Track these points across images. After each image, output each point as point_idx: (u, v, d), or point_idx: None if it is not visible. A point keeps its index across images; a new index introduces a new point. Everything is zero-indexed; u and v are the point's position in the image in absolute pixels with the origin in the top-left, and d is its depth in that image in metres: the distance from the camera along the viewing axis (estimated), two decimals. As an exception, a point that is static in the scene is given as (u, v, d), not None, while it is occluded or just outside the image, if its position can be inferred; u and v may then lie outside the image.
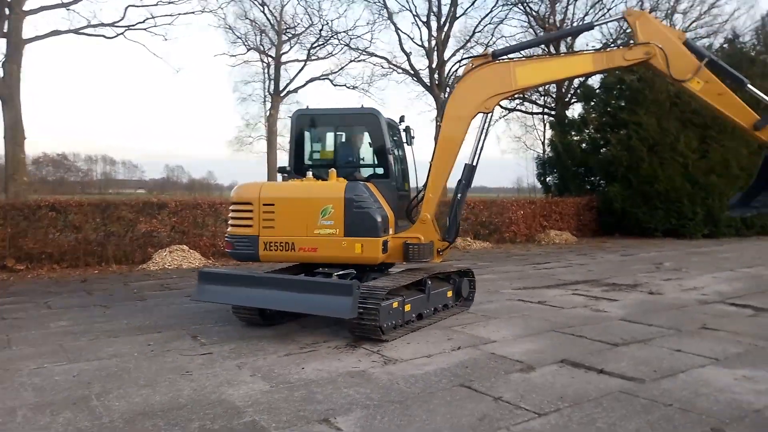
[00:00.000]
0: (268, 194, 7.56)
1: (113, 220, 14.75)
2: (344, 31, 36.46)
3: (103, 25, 19.72)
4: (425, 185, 8.07)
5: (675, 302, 9.60)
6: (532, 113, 36.03)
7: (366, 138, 8.35)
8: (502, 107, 33.56)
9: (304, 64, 37.52)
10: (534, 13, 33.13)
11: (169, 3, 20.54)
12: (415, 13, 34.78)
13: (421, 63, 45.98)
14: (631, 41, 7.77)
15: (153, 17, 20.58)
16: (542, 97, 33.85)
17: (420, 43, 35.17)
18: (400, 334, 7.16)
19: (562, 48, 29.21)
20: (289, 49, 38.07)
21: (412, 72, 35.66)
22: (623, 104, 24.99)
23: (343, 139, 8.47)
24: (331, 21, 43.72)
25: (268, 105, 38.53)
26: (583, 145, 27.14)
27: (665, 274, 13.10)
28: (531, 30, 33.45)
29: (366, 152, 8.40)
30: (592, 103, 27.29)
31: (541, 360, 6.19)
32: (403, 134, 8.47)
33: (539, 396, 5.07)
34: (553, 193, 27.08)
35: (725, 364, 6.05)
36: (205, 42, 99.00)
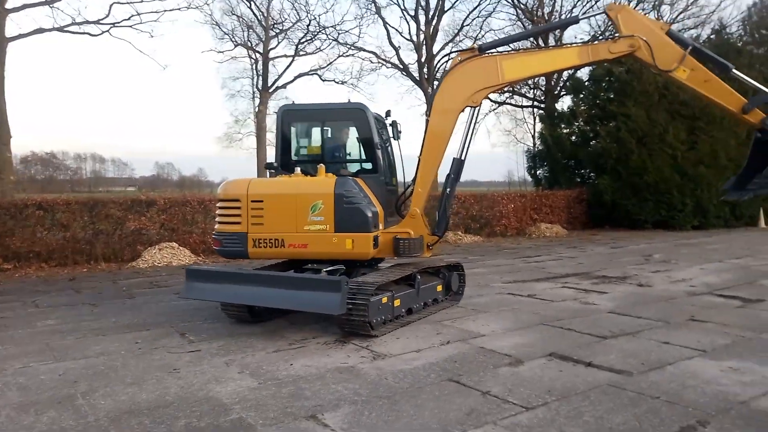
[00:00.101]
0: (256, 191, 7.52)
1: (101, 218, 14.68)
2: (332, 26, 36.32)
3: (87, 22, 19.53)
4: (414, 180, 8.07)
5: (664, 294, 9.64)
6: (522, 106, 36.06)
7: (353, 133, 8.32)
8: (492, 100, 33.63)
9: (292, 60, 37.42)
10: (522, 6, 33.10)
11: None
12: (403, 7, 34.77)
13: (410, 57, 46.13)
14: (617, 34, 7.80)
15: (138, 14, 20.41)
16: (532, 90, 33.88)
17: (408, 38, 35.16)
18: (389, 329, 7.15)
19: (551, 41, 29.23)
20: (277, 45, 37.89)
21: (401, 66, 35.67)
22: (612, 96, 25.08)
23: (331, 135, 8.43)
24: (319, 16, 43.48)
25: (257, 101, 38.34)
26: (573, 137, 27.23)
27: (654, 265, 13.16)
28: (519, 23, 33.44)
29: (354, 147, 8.37)
30: (582, 96, 27.36)
31: (529, 353, 6.20)
32: (389, 129, 8.45)
33: (527, 390, 5.07)
34: (543, 186, 27.16)
35: (712, 355, 6.07)
36: (192, 38, 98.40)
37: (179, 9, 21.25)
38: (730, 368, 5.62)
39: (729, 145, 22.41)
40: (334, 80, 37.74)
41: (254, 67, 38.42)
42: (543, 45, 27.50)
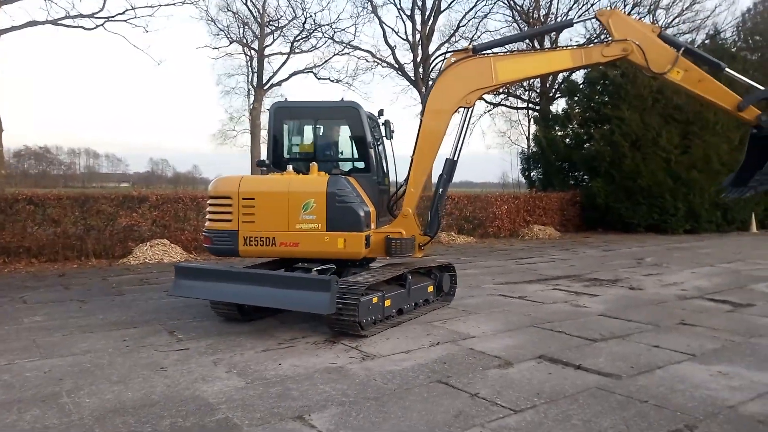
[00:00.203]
0: (247, 188, 7.46)
1: (93, 213, 14.57)
2: (328, 24, 36.24)
3: (81, 16, 19.37)
4: (407, 179, 8.04)
5: (655, 297, 9.65)
6: (516, 108, 36.11)
7: (346, 131, 8.28)
8: (487, 102, 33.70)
9: (288, 57, 37.34)
10: (518, 8, 33.16)
11: (150, -7, 20.25)
12: (399, 7, 34.89)
13: (405, 57, 46.00)
14: (609, 38, 7.81)
15: (133, 8, 20.25)
16: (527, 92, 33.94)
17: (404, 37, 35.22)
18: (379, 329, 7.12)
19: (547, 43, 29.27)
20: (273, 42, 37.84)
21: (397, 66, 35.65)
22: (606, 99, 25.13)
23: (323, 133, 8.39)
24: (315, 14, 43.47)
25: (252, 98, 38.28)
26: (567, 140, 27.25)
27: (646, 269, 13.18)
28: (515, 24, 33.50)
29: (346, 146, 8.34)
30: (576, 98, 27.38)
31: (519, 356, 6.18)
32: (382, 128, 8.41)
33: (516, 392, 5.05)
34: (537, 188, 27.18)
35: (702, 360, 6.08)
36: (187, 34, 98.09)
37: (174, 4, 21.06)
38: (719, 372, 5.63)
39: (722, 150, 22.51)
40: (329, 78, 37.72)
41: (249, 64, 38.36)
42: (539, 47, 27.55)
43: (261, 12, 36.60)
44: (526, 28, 31.67)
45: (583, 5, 31.47)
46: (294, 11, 37.38)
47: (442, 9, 34.64)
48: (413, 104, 46.94)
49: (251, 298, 6.98)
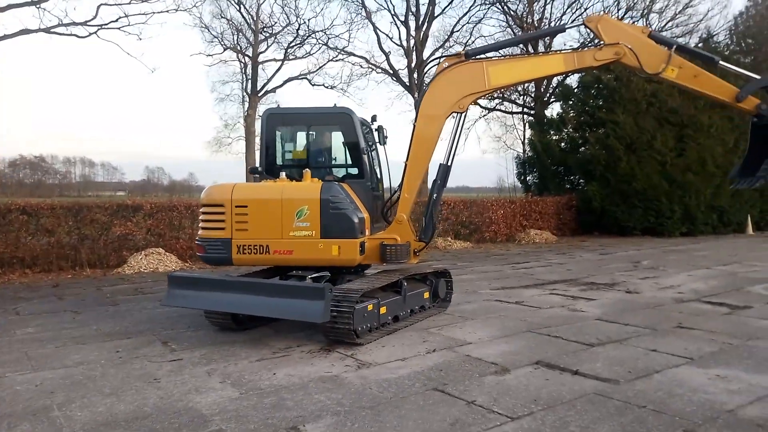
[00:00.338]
0: (240, 196, 7.41)
1: (87, 223, 14.47)
2: (322, 30, 36.35)
3: (74, 24, 19.28)
4: (401, 185, 8.00)
5: (651, 301, 9.61)
6: (511, 113, 36.12)
7: (339, 138, 8.24)
8: (482, 107, 33.71)
9: (282, 64, 37.42)
10: (512, 13, 33.21)
11: (143, 1, 20.17)
12: (393, 13, 34.82)
13: (400, 63, 46.09)
14: (602, 42, 7.80)
15: (126, 16, 20.15)
16: (522, 97, 33.95)
17: (399, 43, 35.21)
18: (375, 337, 7.07)
19: (541, 48, 29.30)
20: (267, 49, 37.91)
21: (391, 72, 35.69)
22: (601, 103, 25.15)
23: (316, 139, 8.36)
24: (309, 20, 43.31)
25: (246, 105, 38.23)
26: (562, 144, 27.26)
27: (642, 272, 13.15)
28: (509, 29, 33.56)
29: (339, 152, 8.30)
30: (571, 103, 27.42)
31: (516, 362, 6.13)
32: (375, 134, 8.38)
33: (513, 399, 5.00)
34: (533, 193, 27.16)
35: (699, 363, 6.04)
36: (181, 41, 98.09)
37: (168, 11, 21.03)
38: (717, 376, 5.59)
39: (716, 152, 22.53)
40: (323, 85, 37.77)
41: (243, 70, 38.38)
42: (533, 52, 27.57)
43: (255, 19, 36.68)
44: (520, 33, 31.72)
45: (576, 10, 31.59)
46: (288, 18, 37.28)
47: (436, 14, 34.76)
48: (408, 110, 46.96)
49: (245, 307, 6.92)
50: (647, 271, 13.24)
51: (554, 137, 27.64)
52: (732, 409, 4.72)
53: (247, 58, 37.53)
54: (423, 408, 4.81)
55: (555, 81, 30.31)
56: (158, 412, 4.78)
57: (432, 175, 8.20)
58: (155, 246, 15.04)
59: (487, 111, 35.09)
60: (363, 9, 34.93)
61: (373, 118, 8.28)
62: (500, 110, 35.71)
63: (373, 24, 35.13)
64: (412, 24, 34.50)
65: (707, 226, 23.31)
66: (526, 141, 32.52)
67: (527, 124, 33.75)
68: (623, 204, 23.28)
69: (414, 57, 34.47)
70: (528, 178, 29.08)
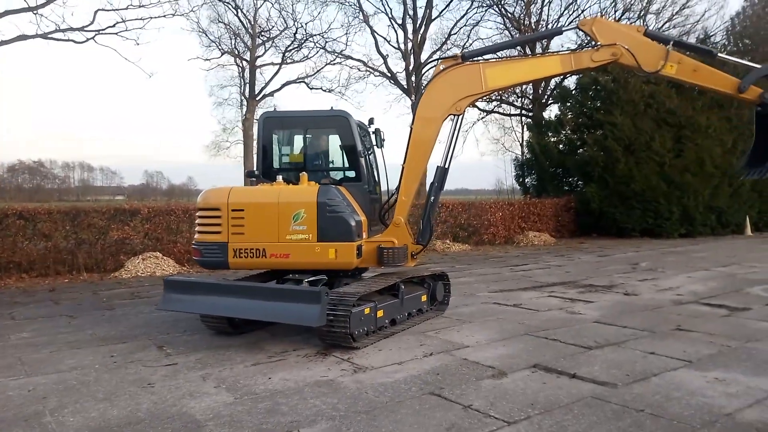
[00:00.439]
0: (237, 199, 7.37)
1: (84, 227, 14.44)
2: (319, 34, 36.22)
3: (72, 29, 19.22)
4: (398, 188, 7.96)
5: (650, 303, 9.58)
6: (510, 115, 36.11)
7: (336, 141, 8.21)
8: (480, 109, 33.70)
9: (280, 68, 37.37)
10: (509, 15, 33.23)
11: (140, 7, 20.11)
12: (390, 16, 34.97)
13: (398, 66, 46.10)
14: (599, 43, 7.78)
15: (124, 21, 20.07)
16: (519, 99, 33.94)
17: (396, 46, 35.21)
18: (372, 340, 7.02)
19: (538, 50, 29.31)
20: (264, 53, 37.84)
21: (389, 75, 35.65)
22: (598, 105, 25.13)
23: (313, 142, 8.32)
24: (306, 24, 43.38)
25: (245, 109, 38.21)
26: (560, 146, 27.23)
27: (641, 274, 13.11)
28: (507, 32, 33.53)
29: (336, 155, 8.26)
30: (568, 104, 27.42)
31: (513, 365, 6.09)
32: (373, 137, 8.34)
33: (510, 403, 4.96)
34: (531, 195, 27.14)
35: (698, 366, 5.99)
36: (178, 46, 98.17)
37: (165, 16, 20.97)
38: (715, 379, 5.55)
39: (714, 153, 22.52)
40: (321, 88, 37.69)
41: (241, 74, 38.35)
42: (531, 53, 27.57)
43: (252, 23, 36.63)
44: (517, 36, 31.73)
45: (573, 12, 31.61)
46: (285, 22, 37.19)
47: (433, 17, 34.73)
48: (406, 113, 46.94)
49: (241, 311, 6.88)
50: (646, 273, 13.20)
51: (552, 139, 27.62)
52: (730, 413, 4.68)
53: (244, 62, 37.52)
54: (419, 412, 4.77)
55: (553, 83, 30.34)
56: (151, 417, 4.74)
57: (430, 178, 8.17)
58: (153, 250, 15.00)
59: (485, 113, 35.10)
60: (360, 12, 34.97)
61: (371, 121, 8.24)
62: (498, 112, 35.72)
63: (370, 27, 35.17)
64: (409, 27, 34.52)
65: (706, 227, 23.29)
66: (525, 143, 32.53)
67: (525, 126, 33.76)
68: (622, 205, 23.25)
69: (412, 60, 34.46)
70: (526, 180, 29.08)
